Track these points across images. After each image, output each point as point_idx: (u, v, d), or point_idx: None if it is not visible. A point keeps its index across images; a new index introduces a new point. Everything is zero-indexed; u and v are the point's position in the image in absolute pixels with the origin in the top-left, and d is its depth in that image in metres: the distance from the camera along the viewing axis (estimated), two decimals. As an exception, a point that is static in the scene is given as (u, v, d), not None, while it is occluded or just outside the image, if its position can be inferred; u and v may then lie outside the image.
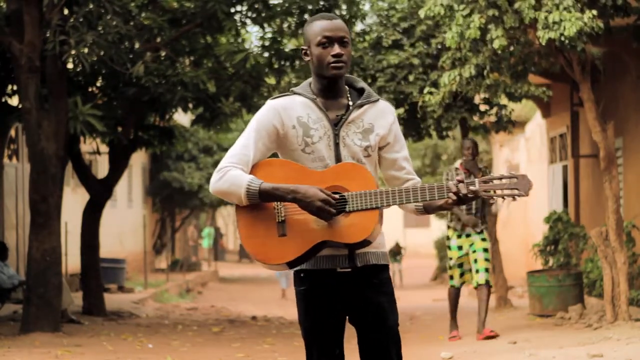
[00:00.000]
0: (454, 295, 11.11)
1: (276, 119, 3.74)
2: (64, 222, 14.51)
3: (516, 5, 9.77)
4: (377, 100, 3.84)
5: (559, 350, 8.78)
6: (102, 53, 11.25)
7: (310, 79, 3.85)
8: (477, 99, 14.13)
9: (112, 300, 16.19)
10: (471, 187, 3.63)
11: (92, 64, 11.54)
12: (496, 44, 9.83)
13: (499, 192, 3.65)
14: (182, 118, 22.78)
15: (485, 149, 25.98)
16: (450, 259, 10.88)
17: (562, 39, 9.48)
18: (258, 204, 3.67)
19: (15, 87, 12.95)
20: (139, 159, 25.53)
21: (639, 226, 12.24)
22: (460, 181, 3.63)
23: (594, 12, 9.48)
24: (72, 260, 16.47)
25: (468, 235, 10.66)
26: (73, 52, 10.98)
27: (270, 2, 12.65)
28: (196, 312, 16.94)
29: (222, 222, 49.63)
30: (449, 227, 10.82)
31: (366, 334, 3.79)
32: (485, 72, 10.76)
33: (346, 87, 3.84)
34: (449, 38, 10.18)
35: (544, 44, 9.70)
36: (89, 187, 14.79)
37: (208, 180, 26.88)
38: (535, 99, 13.94)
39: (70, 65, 12.10)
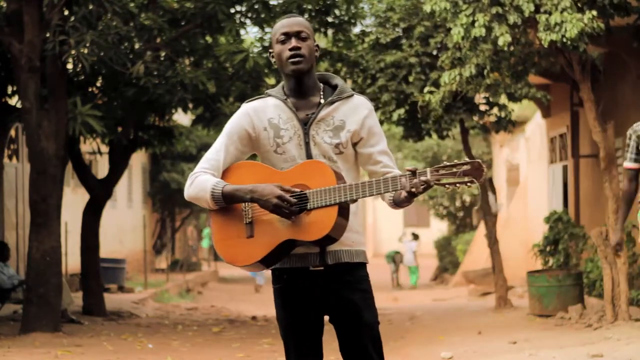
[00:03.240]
0: None
1: (247, 122, 3.82)
2: (64, 222, 14.51)
3: (515, 2, 9.77)
4: (351, 95, 3.83)
5: (559, 350, 8.79)
6: (102, 53, 11.24)
7: (283, 82, 3.89)
8: (477, 99, 14.13)
9: (112, 300, 16.18)
10: (422, 177, 3.59)
11: (92, 64, 11.54)
12: (501, 41, 9.84)
13: (452, 180, 3.59)
14: (182, 118, 22.78)
15: (485, 149, 26.00)
16: None
17: (564, 40, 9.49)
18: (229, 207, 3.73)
19: (15, 87, 12.95)
20: (139, 159, 25.53)
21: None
22: (412, 171, 3.60)
23: (594, 12, 9.49)
24: (72, 260, 16.47)
25: None
26: (73, 52, 10.98)
27: (270, 2, 12.65)
28: (196, 312, 16.93)
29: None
30: None
31: (344, 332, 3.81)
32: (485, 72, 10.76)
33: (321, 84, 3.85)
34: (455, 34, 10.17)
35: (546, 45, 9.70)
36: (89, 187, 14.79)
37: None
38: (535, 99, 13.93)
39: (70, 65, 12.09)
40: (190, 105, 14.31)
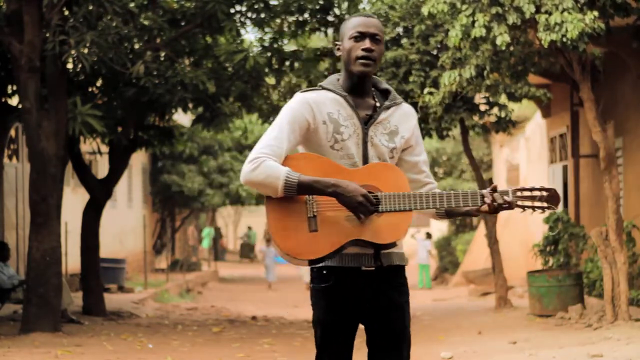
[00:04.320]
0: None
1: (308, 112, 3.70)
2: (64, 222, 14.50)
3: (515, 2, 9.77)
4: (402, 102, 3.85)
5: (559, 350, 8.79)
6: (102, 53, 11.24)
7: (336, 75, 3.83)
8: (477, 99, 14.13)
9: (112, 300, 16.18)
10: (505, 197, 3.64)
11: (92, 64, 11.54)
12: (499, 41, 9.83)
13: (529, 203, 3.68)
14: (182, 118, 22.78)
15: (485, 149, 26.00)
16: None
17: (564, 40, 9.49)
18: (292, 197, 3.59)
19: (15, 87, 12.95)
20: (139, 159, 25.53)
21: (639, 226, 12.24)
22: (494, 190, 3.63)
23: (595, 13, 9.48)
24: (72, 260, 16.47)
25: None
26: (73, 52, 10.98)
27: (270, 2, 12.65)
28: (196, 312, 16.93)
29: (222, 222, 49.64)
30: None
31: (380, 333, 3.76)
32: (485, 73, 10.76)
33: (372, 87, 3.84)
34: (452, 36, 10.17)
35: (546, 46, 9.70)
36: (89, 187, 14.79)
37: (209, 185, 26.85)
38: (535, 98, 13.93)
39: (70, 65, 12.09)
40: (190, 105, 14.31)
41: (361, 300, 3.72)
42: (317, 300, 3.75)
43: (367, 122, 3.75)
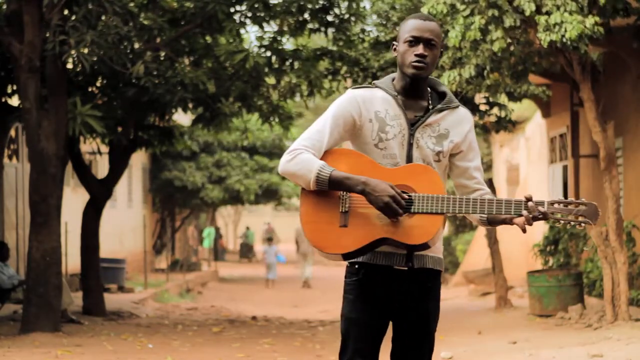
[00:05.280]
0: None
1: (355, 109, 3.72)
2: (64, 222, 14.50)
3: (515, 2, 9.76)
4: (457, 106, 3.83)
5: (559, 350, 8.79)
6: (102, 53, 11.24)
7: (393, 75, 3.83)
8: (477, 99, 14.12)
9: (112, 300, 16.18)
10: (540, 208, 3.59)
11: (92, 64, 11.54)
12: (496, 46, 9.84)
13: (564, 215, 3.61)
14: (182, 118, 22.77)
15: (485, 149, 25.98)
16: None
17: (564, 40, 9.48)
18: (326, 191, 3.63)
19: (15, 87, 12.94)
20: (139, 159, 25.52)
21: (639, 226, 12.24)
22: (528, 200, 3.59)
23: (597, 18, 9.46)
24: (72, 260, 16.47)
25: None
26: (73, 52, 10.98)
27: (270, 1, 12.64)
28: (196, 312, 16.93)
29: (222, 222, 49.62)
30: None
31: (405, 335, 3.77)
32: (485, 73, 10.76)
33: (428, 89, 3.82)
34: (451, 37, 10.17)
35: (545, 46, 9.69)
36: (89, 187, 14.79)
37: (209, 180, 26.84)
38: (535, 98, 13.95)
39: (70, 65, 12.09)
40: (190, 105, 14.30)
41: (389, 298, 3.73)
42: (346, 294, 3.78)
43: (415, 124, 3.73)
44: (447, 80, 10.97)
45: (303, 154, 3.65)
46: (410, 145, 3.72)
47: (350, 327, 3.75)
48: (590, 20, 9.37)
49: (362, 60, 14.36)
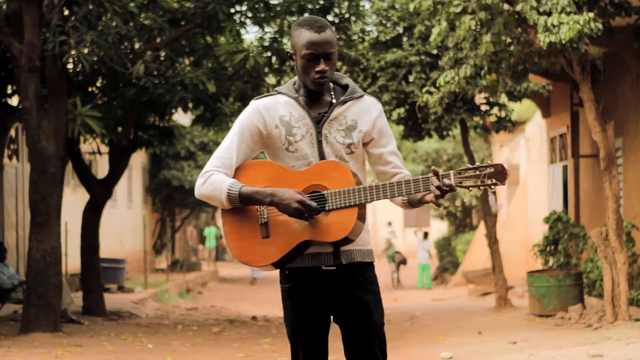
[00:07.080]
0: None
1: (258, 119, 3.75)
2: (64, 222, 14.50)
3: (518, 7, 9.76)
4: (362, 96, 3.81)
5: (559, 350, 8.78)
6: (102, 53, 11.24)
7: (295, 78, 3.83)
8: (477, 100, 14.13)
9: (112, 300, 16.19)
10: (446, 181, 3.56)
11: (92, 64, 11.53)
12: (482, 50, 9.86)
13: (473, 182, 3.58)
14: (182, 118, 22.78)
15: (485, 149, 25.98)
16: None
17: (562, 41, 9.48)
18: (243, 207, 3.68)
19: (15, 87, 12.95)
20: (139, 159, 25.53)
21: (639, 226, 12.24)
22: (435, 174, 3.56)
23: (591, 14, 9.46)
24: (72, 260, 16.47)
25: None
26: (73, 52, 10.98)
27: (270, 1, 12.64)
28: (196, 312, 16.93)
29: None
30: None
31: (350, 331, 3.78)
32: (482, 73, 10.77)
33: (331, 84, 3.81)
34: (434, 34, 10.19)
35: (544, 47, 9.70)
36: (89, 187, 14.79)
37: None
38: (535, 97, 13.95)
39: (70, 65, 12.09)
40: (190, 105, 14.31)
41: (324, 298, 3.76)
42: (284, 300, 3.84)
43: (320, 121, 3.75)
44: (443, 79, 10.98)
45: (214, 175, 3.71)
46: (319, 143, 3.74)
47: (294, 333, 3.81)
48: (584, 17, 9.36)
49: (362, 60, 14.37)
